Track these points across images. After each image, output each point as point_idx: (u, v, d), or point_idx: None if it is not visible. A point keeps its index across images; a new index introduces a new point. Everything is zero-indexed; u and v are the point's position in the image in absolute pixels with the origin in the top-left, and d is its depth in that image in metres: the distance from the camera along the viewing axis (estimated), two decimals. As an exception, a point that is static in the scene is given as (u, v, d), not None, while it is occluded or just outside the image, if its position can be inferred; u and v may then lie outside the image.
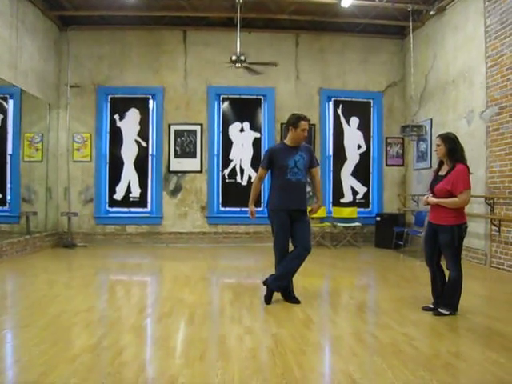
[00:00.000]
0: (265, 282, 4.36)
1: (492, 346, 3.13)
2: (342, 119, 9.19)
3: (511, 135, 5.94)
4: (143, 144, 8.91)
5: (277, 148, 4.47)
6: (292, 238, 4.33)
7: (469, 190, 3.76)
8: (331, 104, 9.21)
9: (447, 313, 3.82)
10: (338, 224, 8.76)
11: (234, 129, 9.06)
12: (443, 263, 3.97)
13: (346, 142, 9.20)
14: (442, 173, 3.91)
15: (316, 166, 4.49)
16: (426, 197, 4.02)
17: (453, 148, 3.82)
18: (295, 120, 4.27)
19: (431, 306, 3.99)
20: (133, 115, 8.90)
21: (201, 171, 8.89)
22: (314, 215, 4.65)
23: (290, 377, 2.58)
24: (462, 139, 4.00)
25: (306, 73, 9.07)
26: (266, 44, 8.94)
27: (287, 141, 4.37)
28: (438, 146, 3.91)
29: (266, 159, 4.36)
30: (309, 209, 4.44)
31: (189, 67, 8.92)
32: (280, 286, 4.30)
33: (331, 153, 9.18)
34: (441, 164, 4.00)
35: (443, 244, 3.84)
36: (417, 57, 8.52)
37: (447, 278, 3.91)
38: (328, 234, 8.92)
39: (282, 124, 8.96)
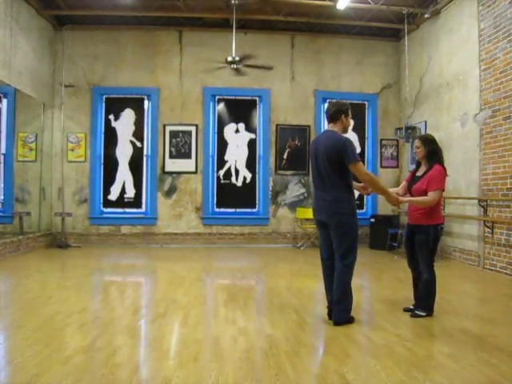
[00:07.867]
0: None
1: (484, 347, 3.15)
2: (337, 121, 9.19)
3: (504, 138, 5.99)
4: (138, 144, 8.89)
5: None
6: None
7: (441, 190, 3.78)
8: (326, 105, 9.21)
9: (424, 314, 3.85)
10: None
11: (229, 130, 9.06)
12: None
13: (340, 144, 9.21)
14: (420, 173, 3.95)
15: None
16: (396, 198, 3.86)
17: (433, 150, 3.87)
18: (347, 107, 3.68)
19: (411, 307, 4.01)
20: (128, 115, 8.87)
21: (196, 172, 8.88)
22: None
23: (283, 378, 2.59)
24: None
25: (301, 74, 9.09)
26: (262, 45, 8.95)
27: (339, 131, 3.65)
28: (418, 148, 3.94)
29: (355, 151, 3.56)
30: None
31: (184, 68, 8.90)
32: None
33: (326, 154, 9.18)
34: (418, 165, 4.04)
35: (418, 244, 3.86)
36: (412, 59, 8.57)
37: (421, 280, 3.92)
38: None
39: (277, 125, 9.00)
